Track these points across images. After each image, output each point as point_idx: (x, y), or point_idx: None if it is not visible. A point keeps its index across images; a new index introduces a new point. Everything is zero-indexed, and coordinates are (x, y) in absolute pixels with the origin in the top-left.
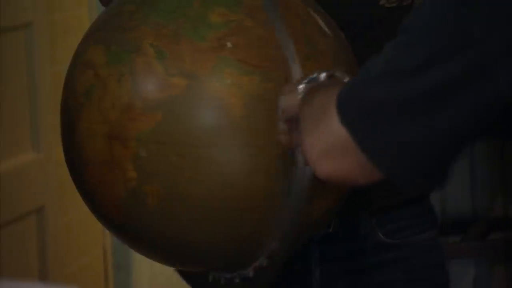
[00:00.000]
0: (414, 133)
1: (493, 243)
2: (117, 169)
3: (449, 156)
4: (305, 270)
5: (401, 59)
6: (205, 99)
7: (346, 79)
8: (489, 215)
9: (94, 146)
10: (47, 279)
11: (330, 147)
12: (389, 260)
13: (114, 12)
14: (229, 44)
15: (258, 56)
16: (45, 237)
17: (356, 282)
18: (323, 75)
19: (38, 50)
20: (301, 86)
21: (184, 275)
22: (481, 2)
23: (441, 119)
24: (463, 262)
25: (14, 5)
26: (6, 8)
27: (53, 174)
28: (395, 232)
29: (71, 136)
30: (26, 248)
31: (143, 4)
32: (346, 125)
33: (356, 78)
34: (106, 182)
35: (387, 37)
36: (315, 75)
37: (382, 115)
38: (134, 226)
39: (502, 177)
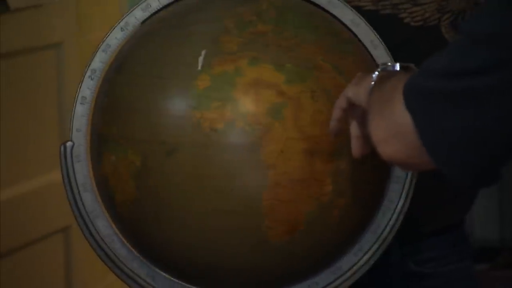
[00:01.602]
0: (467, 127)
1: None
2: (315, 184)
3: (499, 156)
4: None
5: (459, 61)
6: None
7: None
8: None
9: (290, 164)
10: None
11: (393, 130)
12: None
13: (243, 34)
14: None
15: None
16: (71, 256)
17: None
18: (397, 65)
19: (68, 69)
20: (376, 74)
21: None
22: None
23: (492, 119)
24: None
25: (45, 25)
26: (38, 29)
27: None
28: (427, 262)
29: (250, 158)
30: (52, 267)
31: (280, 23)
32: (409, 110)
33: (424, 69)
34: (293, 199)
35: (413, 57)
36: (390, 64)
37: (440, 106)
38: (307, 241)
39: None
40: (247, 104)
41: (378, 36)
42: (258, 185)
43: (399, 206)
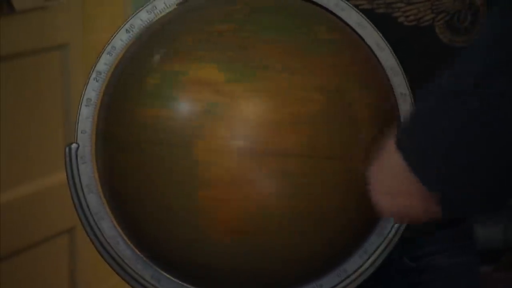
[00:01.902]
0: (470, 155)
1: None
2: (250, 185)
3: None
4: None
5: (458, 75)
6: (342, 113)
7: None
8: None
9: (223, 163)
10: None
11: (388, 179)
12: (416, 284)
13: (207, 31)
14: (350, 60)
15: (373, 76)
16: (76, 257)
17: None
18: None
19: (73, 70)
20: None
21: None
22: None
23: (498, 138)
24: None
25: (51, 27)
26: (43, 30)
27: None
28: (425, 256)
29: (185, 156)
30: (57, 268)
31: (245, 22)
32: (400, 150)
33: (415, 106)
34: (229, 199)
35: (407, 57)
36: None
37: (436, 140)
38: (249, 244)
39: None
40: (184, 103)
41: (383, 39)
42: (194, 184)
43: None
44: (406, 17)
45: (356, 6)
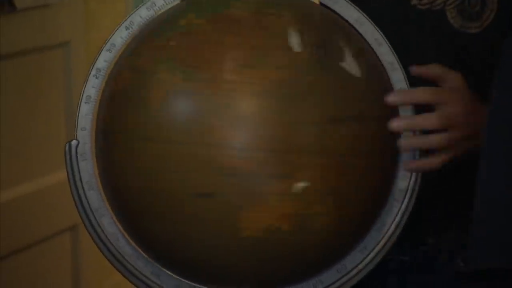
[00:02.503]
0: None
1: None
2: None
3: None
4: None
5: None
6: (143, 93)
7: None
8: None
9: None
10: None
11: None
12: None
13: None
14: (171, 43)
15: (194, 57)
16: (79, 254)
17: None
18: None
19: (75, 67)
20: None
21: None
22: None
23: None
24: None
25: (53, 24)
26: (46, 28)
27: None
28: None
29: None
30: (60, 265)
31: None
32: None
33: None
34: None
35: (420, 41)
36: None
37: None
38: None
39: None
40: None
41: (382, 34)
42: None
43: (403, 205)
44: (420, 0)
45: None
